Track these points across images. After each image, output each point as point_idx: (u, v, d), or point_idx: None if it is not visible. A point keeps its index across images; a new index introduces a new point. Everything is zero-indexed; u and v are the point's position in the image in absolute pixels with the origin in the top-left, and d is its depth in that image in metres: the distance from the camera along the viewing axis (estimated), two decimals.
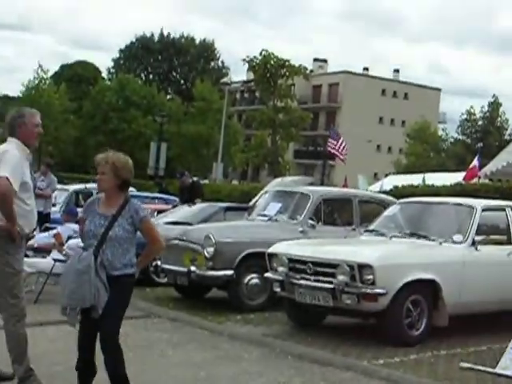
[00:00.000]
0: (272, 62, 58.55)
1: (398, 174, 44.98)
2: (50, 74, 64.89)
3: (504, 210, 10.65)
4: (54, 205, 17.99)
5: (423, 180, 25.98)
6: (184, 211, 15.74)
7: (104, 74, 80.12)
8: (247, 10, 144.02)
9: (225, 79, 54.03)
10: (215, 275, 11.34)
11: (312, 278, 9.53)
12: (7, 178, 6.32)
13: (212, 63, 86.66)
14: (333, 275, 9.26)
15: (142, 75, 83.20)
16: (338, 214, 13.29)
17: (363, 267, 9.02)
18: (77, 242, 11.18)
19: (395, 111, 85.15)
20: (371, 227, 11.04)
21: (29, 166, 6.79)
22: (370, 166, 69.37)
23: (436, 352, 8.88)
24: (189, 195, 18.98)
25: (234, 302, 11.50)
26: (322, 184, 30.04)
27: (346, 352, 8.77)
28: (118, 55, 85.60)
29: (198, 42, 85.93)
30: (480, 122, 73.54)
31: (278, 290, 10.15)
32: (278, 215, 12.48)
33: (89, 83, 71.98)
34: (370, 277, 8.96)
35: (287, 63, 58.91)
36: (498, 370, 7.98)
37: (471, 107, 74.32)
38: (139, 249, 6.16)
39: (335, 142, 28.90)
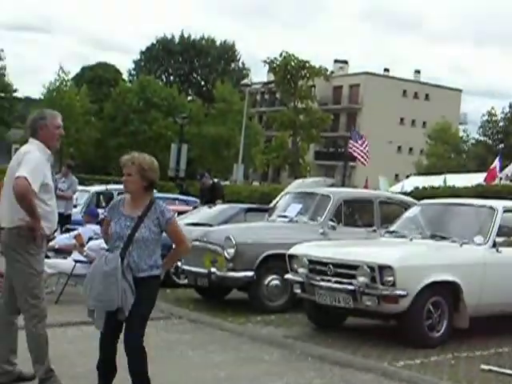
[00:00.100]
0: (292, 64, 58.65)
1: (419, 175, 44.87)
2: (71, 75, 65.38)
3: None
4: (74, 206, 18.07)
5: (444, 181, 25.94)
6: (204, 212, 15.74)
7: (125, 76, 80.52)
8: (267, 11, 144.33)
9: (245, 80, 53.91)
10: (235, 276, 11.34)
11: (332, 279, 9.51)
12: (26, 178, 6.34)
13: (232, 64, 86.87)
14: (353, 277, 9.23)
15: (163, 77, 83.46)
16: (358, 215, 13.24)
17: (384, 268, 8.99)
18: (98, 243, 11.24)
19: (416, 112, 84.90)
20: (392, 228, 11.00)
21: (50, 168, 6.82)
22: (391, 167, 69.15)
23: (456, 354, 8.84)
24: (209, 196, 19.04)
25: (255, 303, 11.49)
26: (342, 185, 29.95)
27: (367, 353, 8.75)
28: (138, 57, 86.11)
29: (218, 43, 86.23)
30: (501, 123, 73.12)
31: (298, 291, 10.14)
32: (299, 216, 12.46)
33: (110, 85, 72.03)
34: (391, 278, 8.93)
35: (307, 64, 58.98)
36: None
37: (492, 108, 74.15)
38: (164, 250, 6.17)
39: (357, 144, 28.72)
